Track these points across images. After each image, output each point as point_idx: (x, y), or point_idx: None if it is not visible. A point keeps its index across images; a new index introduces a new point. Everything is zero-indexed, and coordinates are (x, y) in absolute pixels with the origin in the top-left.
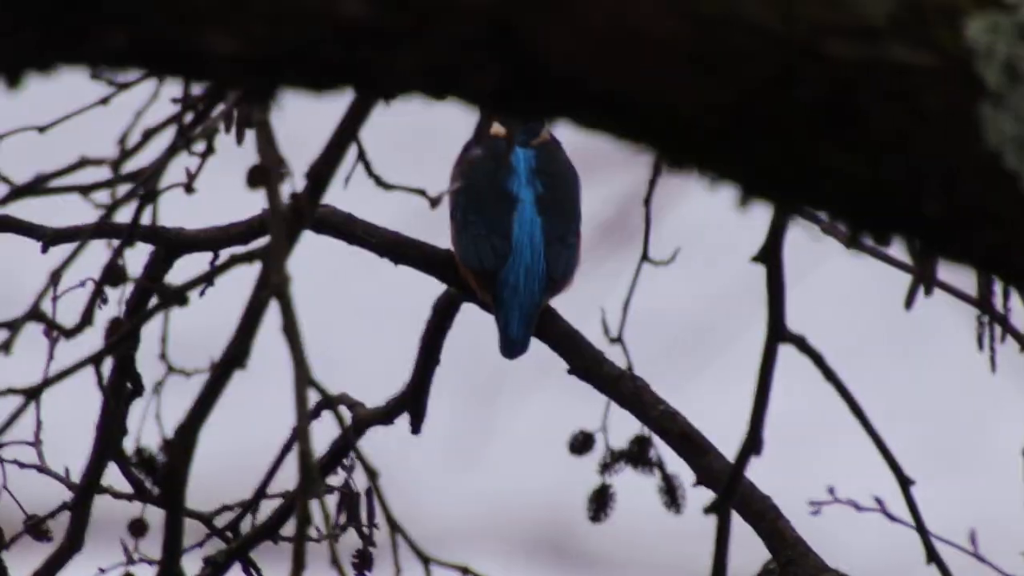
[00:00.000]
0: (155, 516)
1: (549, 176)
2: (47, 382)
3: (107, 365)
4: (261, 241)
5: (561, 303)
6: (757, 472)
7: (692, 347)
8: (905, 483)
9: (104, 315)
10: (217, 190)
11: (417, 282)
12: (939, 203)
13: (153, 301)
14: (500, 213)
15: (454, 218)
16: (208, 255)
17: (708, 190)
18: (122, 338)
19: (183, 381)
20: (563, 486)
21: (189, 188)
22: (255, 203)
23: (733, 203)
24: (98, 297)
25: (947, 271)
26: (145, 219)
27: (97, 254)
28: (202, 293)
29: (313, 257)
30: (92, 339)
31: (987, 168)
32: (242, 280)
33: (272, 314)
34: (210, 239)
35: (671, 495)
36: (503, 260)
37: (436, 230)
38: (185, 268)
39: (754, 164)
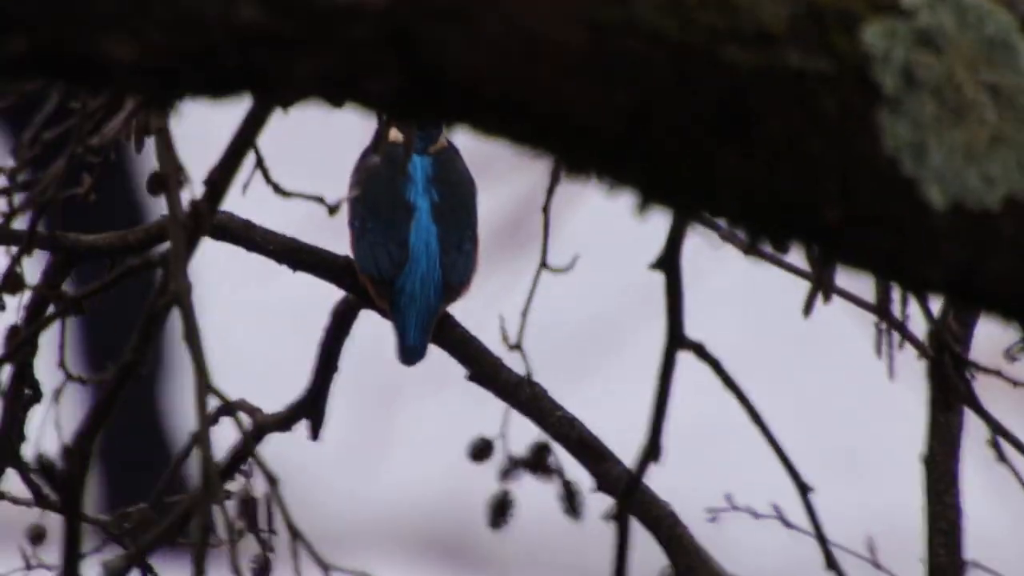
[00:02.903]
0: (54, 522)
1: (446, 184)
2: None
3: (5, 372)
4: (160, 248)
5: (460, 310)
6: (656, 479)
7: (590, 354)
8: (804, 489)
9: (2, 322)
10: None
11: (315, 289)
12: (836, 209)
13: (51, 309)
14: (397, 221)
15: (352, 226)
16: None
17: (607, 196)
18: (20, 345)
19: (81, 388)
20: (462, 491)
21: (87, 196)
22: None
23: (632, 210)
24: None
25: (846, 277)
26: (42, 227)
27: None
28: (100, 300)
29: (212, 264)
30: None
31: (884, 174)
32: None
33: (173, 321)
34: (108, 246)
35: (570, 501)
36: (400, 268)
37: (334, 237)
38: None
39: (651, 171)
